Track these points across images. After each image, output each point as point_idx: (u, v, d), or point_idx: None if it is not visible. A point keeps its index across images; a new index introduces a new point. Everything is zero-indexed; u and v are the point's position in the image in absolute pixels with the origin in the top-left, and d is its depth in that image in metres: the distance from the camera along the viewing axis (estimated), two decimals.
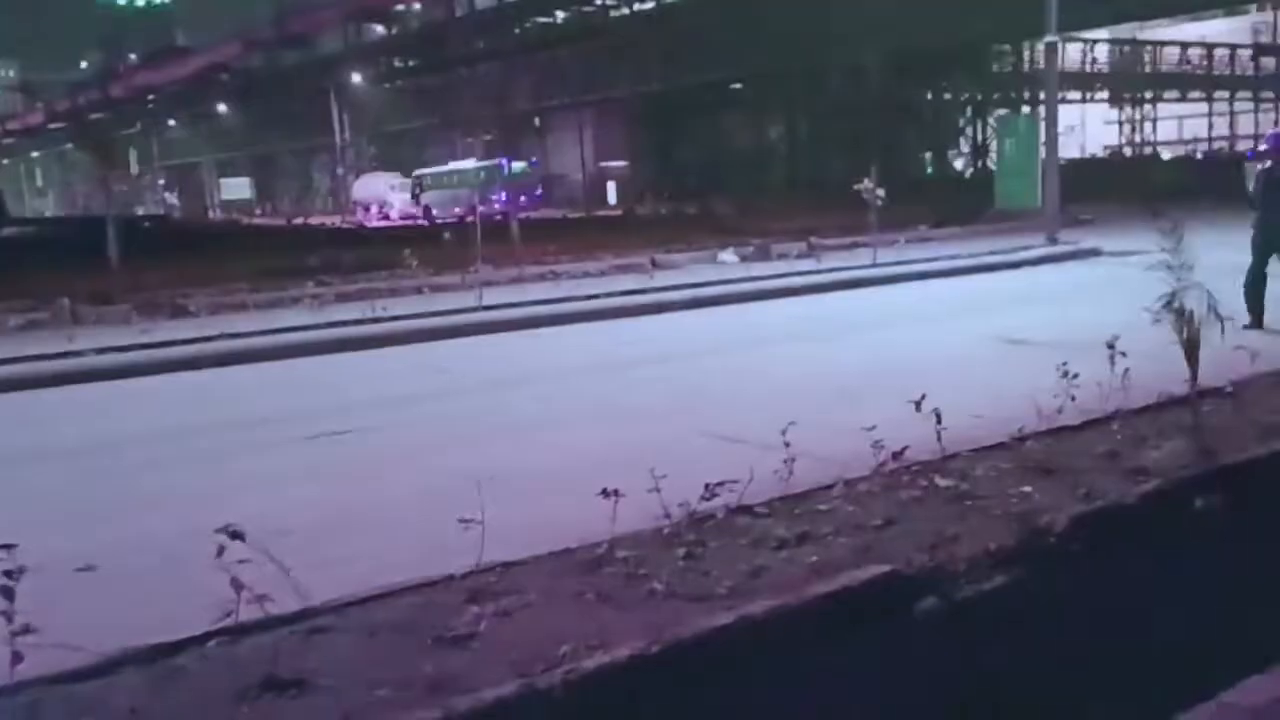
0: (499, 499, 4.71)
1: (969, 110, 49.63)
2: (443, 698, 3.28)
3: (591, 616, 3.90)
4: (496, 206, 40.44)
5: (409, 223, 45.41)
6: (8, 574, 3.36)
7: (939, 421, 5.56)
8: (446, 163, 55.21)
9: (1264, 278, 10.26)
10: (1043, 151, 23.88)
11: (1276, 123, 49.60)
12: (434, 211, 49.11)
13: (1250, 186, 10.71)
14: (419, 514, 5.56)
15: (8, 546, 3.40)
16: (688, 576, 4.23)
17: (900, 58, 41.29)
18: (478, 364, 10.85)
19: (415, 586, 4.28)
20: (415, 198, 54.32)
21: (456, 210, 44.26)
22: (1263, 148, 10.47)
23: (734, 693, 3.71)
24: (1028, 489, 5.16)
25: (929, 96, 48.98)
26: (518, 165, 48.67)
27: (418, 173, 56.71)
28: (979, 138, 48.81)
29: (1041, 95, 29.28)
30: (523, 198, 43.46)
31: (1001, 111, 44.28)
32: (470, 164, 51.78)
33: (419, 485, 6.20)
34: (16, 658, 3.35)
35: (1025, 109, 45.03)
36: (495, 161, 49.39)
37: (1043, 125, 24.31)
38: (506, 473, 6.03)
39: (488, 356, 11.36)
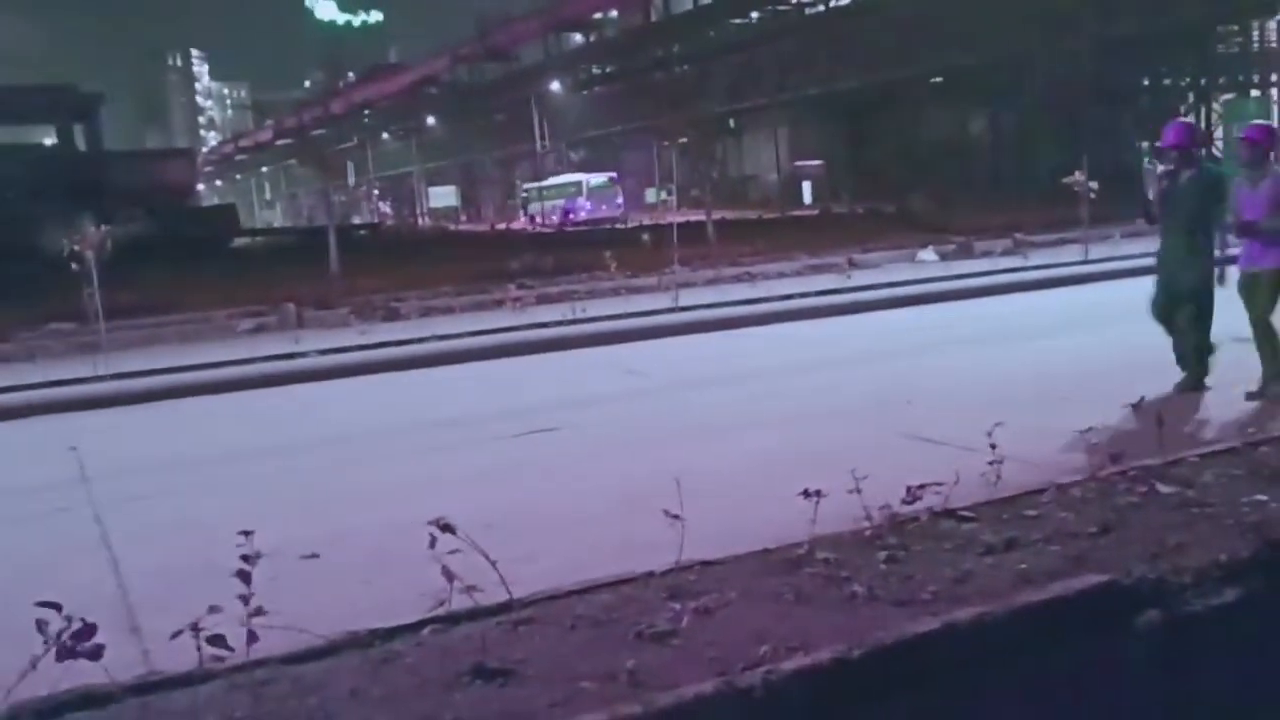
0: (697, 497, 4.72)
1: (1191, 95, 46.65)
2: (644, 693, 3.32)
3: (791, 617, 3.86)
4: (583, 214, 51.89)
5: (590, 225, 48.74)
6: (245, 559, 3.60)
7: (1160, 424, 5.24)
8: (642, 167, 56.99)
9: (1173, 320, 7.79)
10: None
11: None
12: (536, 219, 57.46)
13: (1150, 195, 7.97)
14: (619, 510, 5.65)
15: (246, 533, 3.64)
16: (890, 580, 4.13)
17: (1113, 42, 39.19)
18: (674, 364, 10.94)
19: (616, 582, 4.34)
20: (524, 208, 62.56)
21: (553, 217, 54.31)
22: (1162, 144, 7.80)
23: (936, 702, 3.60)
24: (1262, 497, 4.79)
25: (1145, 82, 46.33)
26: (599, 179, 56.86)
27: (525, 187, 65.66)
28: (1202, 123, 45.80)
29: (1273, 77, 27.20)
30: (604, 206, 53.74)
31: (1228, 96, 41.40)
32: (562, 179, 60.31)
33: (619, 482, 6.29)
34: (252, 637, 3.59)
35: (1255, 92, 41.98)
36: (578, 178, 58.14)
37: (1276, 108, 22.57)
38: (705, 472, 6.06)
39: (684, 357, 11.43)
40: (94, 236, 11.78)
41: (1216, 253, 7.87)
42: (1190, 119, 8.58)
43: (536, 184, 63.57)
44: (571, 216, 53.27)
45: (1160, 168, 7.73)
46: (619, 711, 3.19)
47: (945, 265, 17.99)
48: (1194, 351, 7.61)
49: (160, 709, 3.46)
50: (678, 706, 3.24)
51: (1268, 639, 4.12)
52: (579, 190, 56.22)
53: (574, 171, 64.51)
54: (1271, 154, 7.27)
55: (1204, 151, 7.38)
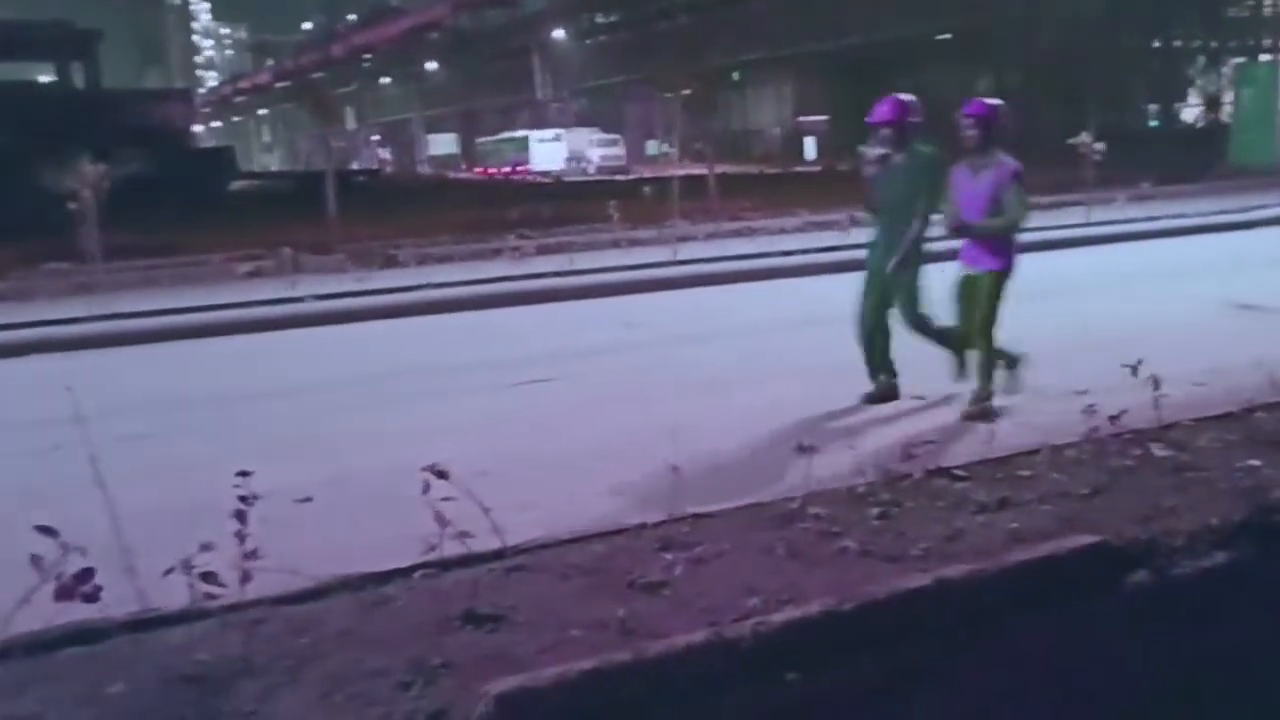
0: (691, 450, 4.73)
1: (1201, 59, 46.27)
2: (634, 641, 3.34)
3: (782, 571, 3.88)
4: (531, 168, 57.19)
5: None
6: (243, 499, 3.60)
7: (1157, 388, 5.24)
8: (645, 118, 57.07)
9: (882, 327, 6.77)
10: None
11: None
12: (490, 169, 63.23)
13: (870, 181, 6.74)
14: (614, 461, 5.65)
15: (244, 473, 3.64)
16: (881, 536, 4.15)
17: (1124, 3, 38.78)
18: (673, 318, 10.92)
19: (609, 532, 4.36)
20: (480, 160, 68.26)
21: (504, 169, 60.81)
22: (871, 119, 6.64)
23: (926, 657, 3.63)
24: (1256, 463, 4.80)
25: (1156, 44, 45.91)
26: (545, 135, 61.83)
27: (479, 140, 72.15)
28: (1212, 88, 45.46)
29: None
30: (550, 161, 58.07)
31: (1238, 60, 41.06)
32: (512, 135, 66.17)
33: (615, 433, 6.30)
34: (245, 577, 3.60)
35: (1266, 56, 41.63)
36: (526, 134, 63.41)
37: None
38: (701, 424, 6.06)
39: (683, 311, 11.41)
40: (91, 175, 11.68)
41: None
42: (907, 95, 6.83)
43: (492, 138, 69.72)
44: (520, 170, 58.04)
45: (875, 150, 6.62)
46: (609, 659, 3.21)
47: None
48: (954, 348, 6.65)
49: (153, 645, 3.48)
50: (667, 655, 3.26)
51: (1256, 600, 4.15)
52: (526, 146, 61.39)
53: (577, 123, 64.66)
54: (997, 138, 6.26)
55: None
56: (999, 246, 6.23)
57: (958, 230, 6.26)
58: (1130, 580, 3.97)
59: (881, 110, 6.57)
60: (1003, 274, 6.24)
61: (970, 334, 6.37)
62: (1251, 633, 4.11)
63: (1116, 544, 4.04)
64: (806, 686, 3.37)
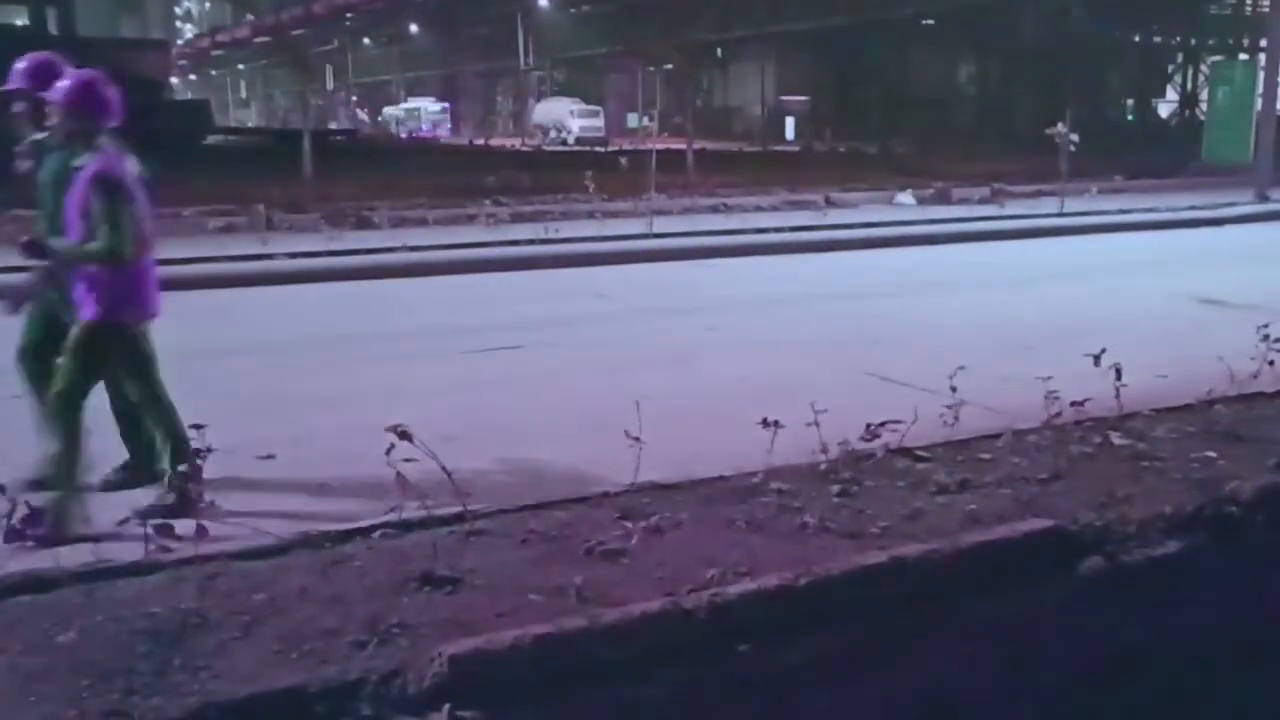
0: (657, 422, 4.73)
1: (1180, 55, 46.53)
2: (591, 608, 3.35)
3: (741, 544, 3.90)
4: (422, 133, 65.25)
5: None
6: (196, 452, 3.58)
7: (1119, 378, 5.29)
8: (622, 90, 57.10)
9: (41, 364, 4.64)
10: (1259, 103, 22.23)
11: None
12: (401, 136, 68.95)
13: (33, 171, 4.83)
14: (579, 430, 5.66)
15: (197, 426, 3.62)
16: (841, 513, 4.18)
17: None
18: (645, 290, 10.91)
19: (570, 500, 4.37)
20: (390, 127, 74.81)
21: (404, 134, 66.75)
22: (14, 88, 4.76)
23: (879, 633, 3.66)
24: (1212, 454, 4.88)
25: (1136, 39, 46.12)
26: (435, 107, 71.81)
27: (386, 109, 78.61)
28: (1189, 85, 45.77)
29: (1263, 42, 27.15)
30: (437, 128, 68.18)
31: (1216, 58, 41.33)
32: (410, 105, 74.78)
33: (581, 402, 6.30)
34: (201, 531, 3.58)
35: (1243, 56, 41.93)
36: (419, 105, 72.63)
37: (1262, 74, 22.59)
38: (667, 397, 6.06)
39: (655, 284, 11.39)
40: None
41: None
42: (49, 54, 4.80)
43: (394, 107, 77.07)
44: (414, 135, 64.92)
45: (32, 137, 4.82)
46: (565, 625, 3.22)
47: (922, 210, 17.98)
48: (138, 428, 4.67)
49: (106, 596, 3.46)
50: (623, 623, 3.28)
51: (1204, 589, 4.21)
52: (420, 115, 70.19)
53: (559, 95, 64.69)
54: (97, 124, 4.54)
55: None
56: (92, 284, 4.33)
57: (27, 249, 4.46)
58: (1083, 565, 4.02)
59: (16, 69, 4.67)
60: (95, 328, 4.34)
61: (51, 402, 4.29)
62: (1192, 619, 4.18)
63: (1071, 529, 4.09)
64: (760, 658, 3.39)
